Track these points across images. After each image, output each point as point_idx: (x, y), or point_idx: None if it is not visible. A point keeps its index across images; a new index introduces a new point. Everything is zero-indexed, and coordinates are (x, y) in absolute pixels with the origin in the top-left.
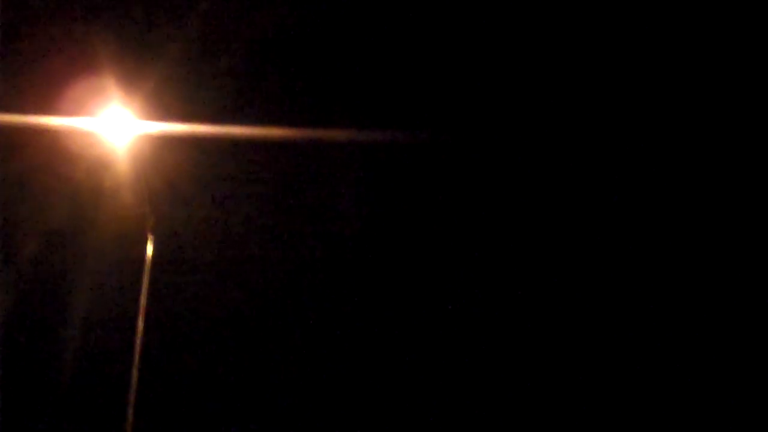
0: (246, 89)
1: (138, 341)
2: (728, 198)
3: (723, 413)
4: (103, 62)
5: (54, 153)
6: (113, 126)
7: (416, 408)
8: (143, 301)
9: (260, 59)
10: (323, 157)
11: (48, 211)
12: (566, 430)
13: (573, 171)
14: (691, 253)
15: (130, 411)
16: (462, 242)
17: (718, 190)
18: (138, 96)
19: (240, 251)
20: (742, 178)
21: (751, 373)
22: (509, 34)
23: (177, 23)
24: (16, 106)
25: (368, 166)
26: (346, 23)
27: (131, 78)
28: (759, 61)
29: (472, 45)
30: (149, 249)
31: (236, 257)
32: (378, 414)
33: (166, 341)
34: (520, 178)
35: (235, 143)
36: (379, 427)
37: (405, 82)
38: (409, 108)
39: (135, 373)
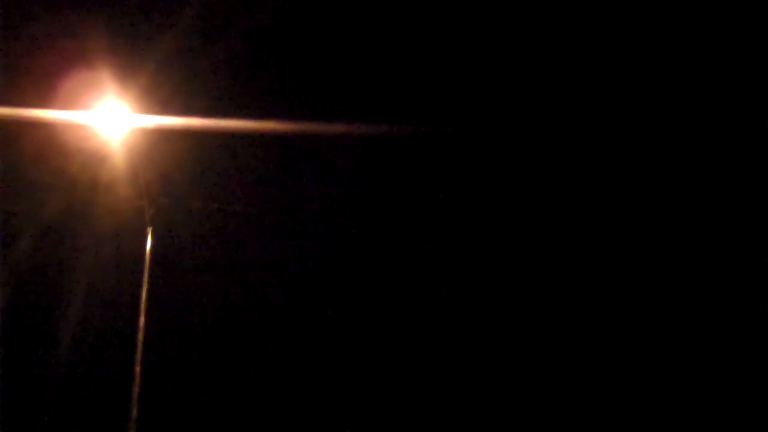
0: (241, 82)
1: (140, 333)
2: (728, 198)
3: (723, 413)
4: (98, 56)
5: (50, 146)
6: (109, 119)
7: (413, 404)
8: (144, 292)
9: (255, 52)
10: (319, 151)
11: (45, 205)
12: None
13: (571, 166)
14: (689, 254)
15: (133, 404)
16: (461, 237)
17: (716, 190)
18: (133, 89)
19: (236, 242)
20: (742, 178)
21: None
22: (507, 29)
23: (171, 17)
24: (12, 99)
25: (365, 160)
26: (341, 16)
27: (126, 71)
28: (759, 61)
29: (471, 39)
30: (148, 241)
31: (233, 248)
32: (373, 408)
33: (167, 332)
34: (519, 173)
35: (230, 136)
36: (377, 424)
37: (401, 76)
38: (406, 102)
39: (137, 365)
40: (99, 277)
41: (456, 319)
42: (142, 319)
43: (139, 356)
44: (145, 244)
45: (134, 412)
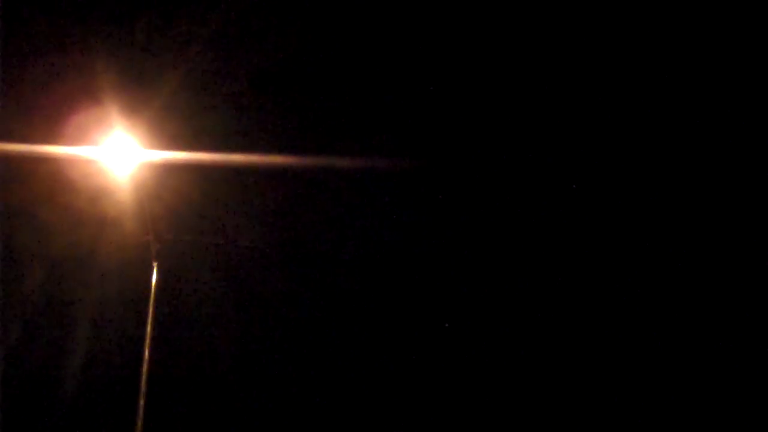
0: (248, 117)
1: (145, 368)
2: (728, 198)
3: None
4: (105, 91)
5: (57, 181)
6: (116, 154)
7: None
8: (149, 327)
9: (261, 87)
10: (327, 186)
11: (52, 240)
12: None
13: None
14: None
15: None
16: (474, 275)
17: (715, 190)
18: (141, 124)
19: (244, 278)
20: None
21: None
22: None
23: (179, 52)
24: (20, 135)
25: (368, 193)
26: (349, 52)
27: (134, 106)
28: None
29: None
30: (154, 276)
31: (240, 284)
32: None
33: (172, 367)
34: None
35: (238, 171)
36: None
37: (409, 112)
38: (414, 136)
39: (142, 401)
40: (105, 312)
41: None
42: (147, 354)
43: (143, 391)
44: (151, 280)
45: None
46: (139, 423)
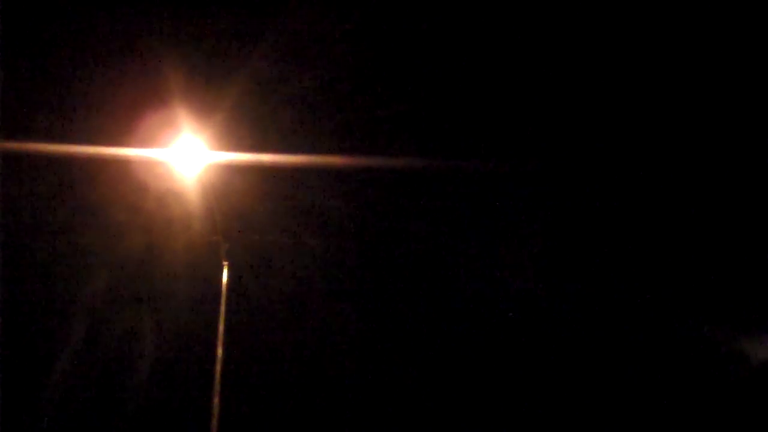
0: (315, 118)
1: (218, 368)
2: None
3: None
4: (174, 93)
5: (127, 183)
6: (185, 156)
7: None
8: (221, 326)
9: (329, 88)
10: (393, 185)
11: (122, 242)
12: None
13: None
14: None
15: None
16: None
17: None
18: (209, 126)
19: (311, 276)
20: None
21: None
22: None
23: (246, 54)
24: (90, 137)
25: (439, 194)
26: (412, 54)
27: (202, 109)
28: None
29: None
30: (225, 275)
31: (308, 282)
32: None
33: (245, 366)
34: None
35: (304, 171)
36: None
37: (472, 111)
38: (480, 137)
39: (216, 400)
40: (176, 311)
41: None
42: (219, 352)
43: (217, 389)
44: (221, 279)
45: None
46: (214, 422)
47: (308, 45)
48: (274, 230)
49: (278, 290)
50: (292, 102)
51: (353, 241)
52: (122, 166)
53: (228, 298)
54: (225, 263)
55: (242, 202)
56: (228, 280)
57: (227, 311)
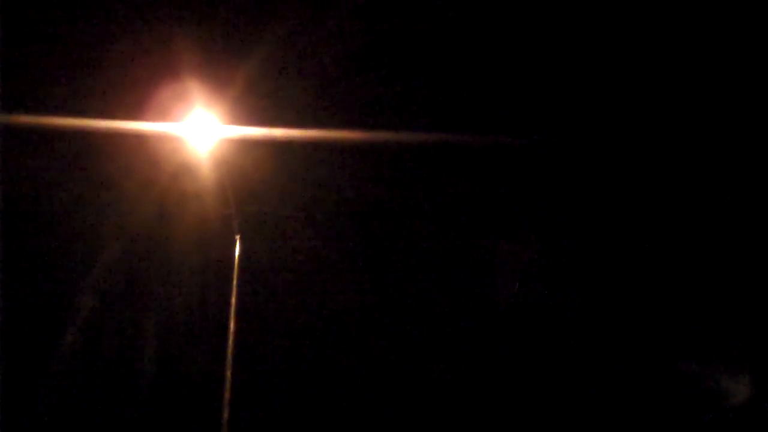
0: (329, 92)
1: (230, 341)
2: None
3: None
4: (187, 67)
5: (140, 157)
6: (198, 130)
7: None
8: (233, 300)
9: (343, 62)
10: (406, 160)
11: (135, 215)
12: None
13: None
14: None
15: (225, 412)
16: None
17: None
18: (222, 100)
19: (323, 249)
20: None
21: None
22: None
23: (260, 28)
24: (103, 111)
25: (453, 170)
26: (428, 27)
27: (216, 83)
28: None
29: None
30: (237, 249)
31: (321, 255)
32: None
33: (257, 339)
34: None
35: (317, 146)
36: None
37: (487, 86)
38: (488, 111)
39: (229, 373)
40: (189, 284)
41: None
42: (232, 324)
43: (229, 362)
44: (233, 252)
45: (226, 416)
46: (227, 395)
47: (323, 18)
48: (287, 204)
49: (290, 264)
50: (306, 76)
51: (366, 216)
52: (135, 140)
53: (240, 271)
54: (237, 237)
55: (255, 176)
56: (240, 254)
57: (239, 285)
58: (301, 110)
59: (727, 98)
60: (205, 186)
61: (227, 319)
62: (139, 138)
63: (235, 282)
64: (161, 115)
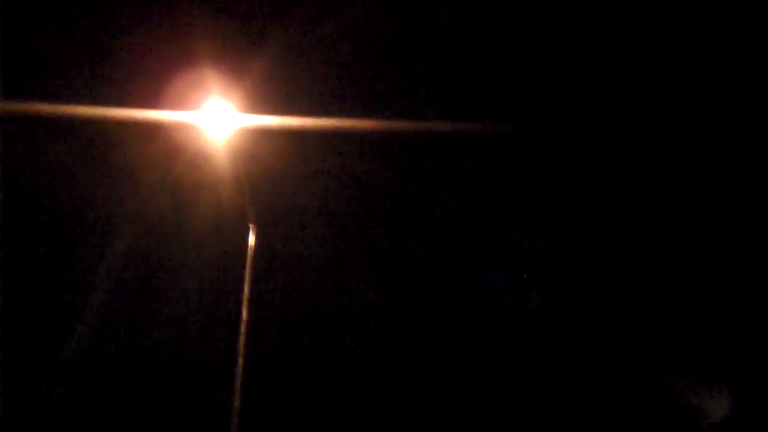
0: (347, 82)
1: (242, 332)
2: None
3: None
4: (204, 56)
5: (156, 146)
6: (214, 119)
7: None
8: (246, 291)
9: (361, 52)
10: (423, 149)
11: (150, 204)
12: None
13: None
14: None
15: (236, 403)
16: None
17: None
18: (239, 89)
19: (338, 240)
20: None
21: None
22: None
23: (278, 16)
24: (119, 99)
25: (472, 159)
26: (447, 17)
27: (232, 71)
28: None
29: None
30: (251, 240)
31: (336, 246)
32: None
33: (270, 331)
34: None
35: (333, 135)
36: None
37: (510, 74)
38: (509, 99)
39: (240, 364)
40: (203, 273)
41: None
42: (245, 314)
43: (242, 350)
44: (247, 242)
45: (237, 406)
46: (238, 384)
47: (340, 7)
48: (302, 194)
49: (305, 254)
50: (323, 65)
51: (382, 206)
52: (151, 128)
53: (254, 261)
54: (252, 226)
55: (271, 165)
56: (255, 244)
57: (253, 274)
58: (318, 99)
59: (731, 93)
60: (221, 175)
61: (240, 308)
62: (155, 127)
63: (248, 271)
64: (177, 104)
